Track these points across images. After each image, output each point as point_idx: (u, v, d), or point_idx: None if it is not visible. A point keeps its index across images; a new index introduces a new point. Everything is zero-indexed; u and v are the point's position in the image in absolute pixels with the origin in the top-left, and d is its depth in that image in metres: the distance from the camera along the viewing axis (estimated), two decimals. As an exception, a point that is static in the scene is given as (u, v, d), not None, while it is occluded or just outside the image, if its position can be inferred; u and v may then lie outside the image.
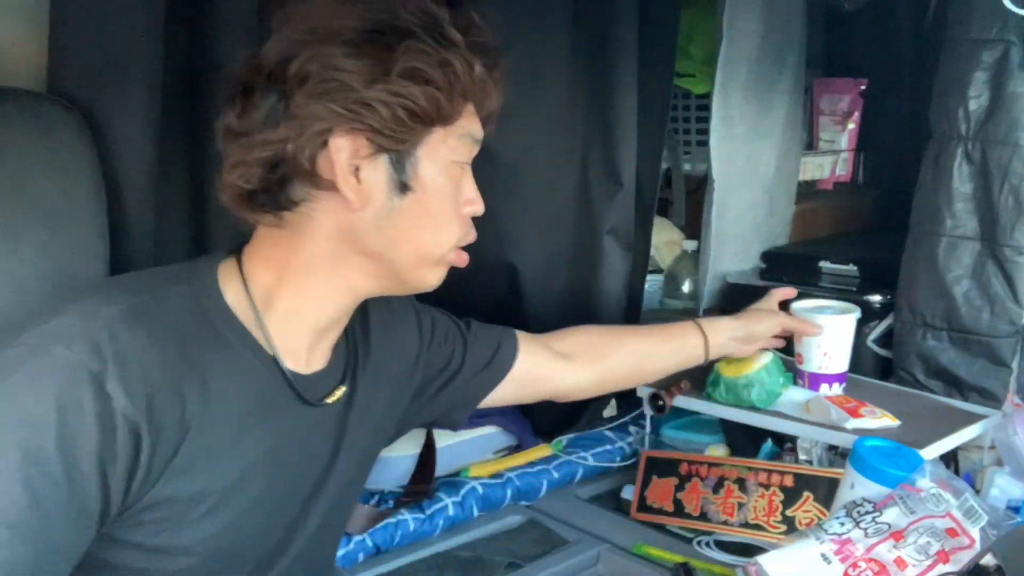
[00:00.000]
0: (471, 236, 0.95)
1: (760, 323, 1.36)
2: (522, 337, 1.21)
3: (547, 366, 1.22)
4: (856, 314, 1.43)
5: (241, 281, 0.87)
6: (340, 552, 1.24)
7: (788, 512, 1.28)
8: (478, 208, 0.94)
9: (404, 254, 0.89)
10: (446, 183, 0.88)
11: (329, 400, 0.93)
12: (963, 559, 0.93)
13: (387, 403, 1.04)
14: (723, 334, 1.33)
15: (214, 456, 0.81)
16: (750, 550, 1.22)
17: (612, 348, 1.29)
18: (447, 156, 0.88)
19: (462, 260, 0.95)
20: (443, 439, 1.47)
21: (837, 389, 1.43)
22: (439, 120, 0.85)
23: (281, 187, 0.83)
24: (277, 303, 0.87)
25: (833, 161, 2.13)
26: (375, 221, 0.86)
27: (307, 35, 0.82)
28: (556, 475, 1.49)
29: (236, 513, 0.84)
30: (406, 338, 1.08)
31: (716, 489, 1.34)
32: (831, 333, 1.41)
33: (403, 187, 0.86)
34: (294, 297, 0.87)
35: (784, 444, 1.41)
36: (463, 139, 0.89)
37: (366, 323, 1.02)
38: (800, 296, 1.46)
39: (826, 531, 0.98)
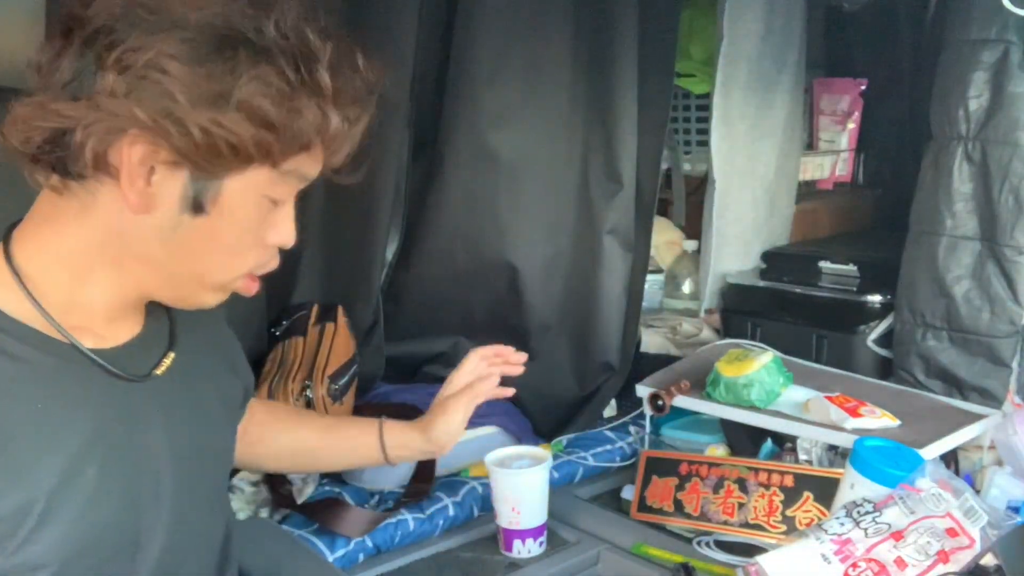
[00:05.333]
0: (271, 264, 0.85)
1: (434, 426, 1.19)
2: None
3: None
4: (546, 464, 1.30)
5: (6, 264, 0.78)
6: (340, 552, 1.24)
7: (788, 512, 1.28)
8: (288, 242, 0.84)
9: (184, 272, 0.80)
10: (250, 215, 0.79)
11: (159, 371, 0.86)
12: (963, 559, 0.93)
13: (222, 365, 0.98)
14: (401, 442, 1.19)
15: (21, 466, 0.74)
16: (750, 550, 1.22)
17: (272, 435, 1.16)
18: (261, 190, 0.78)
19: (250, 289, 0.85)
20: (443, 439, 1.47)
21: (534, 546, 1.28)
22: (264, 162, 0.75)
23: (65, 158, 0.73)
24: (53, 285, 0.78)
25: (833, 161, 2.13)
26: (157, 232, 0.77)
27: (145, 9, 0.71)
28: (556, 475, 1.49)
29: (76, 511, 0.77)
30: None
31: (716, 489, 1.34)
32: (515, 487, 1.28)
33: (197, 207, 0.76)
34: (73, 281, 0.79)
35: (784, 444, 1.41)
36: (288, 177, 0.79)
37: None
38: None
39: (826, 531, 0.98)
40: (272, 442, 1.16)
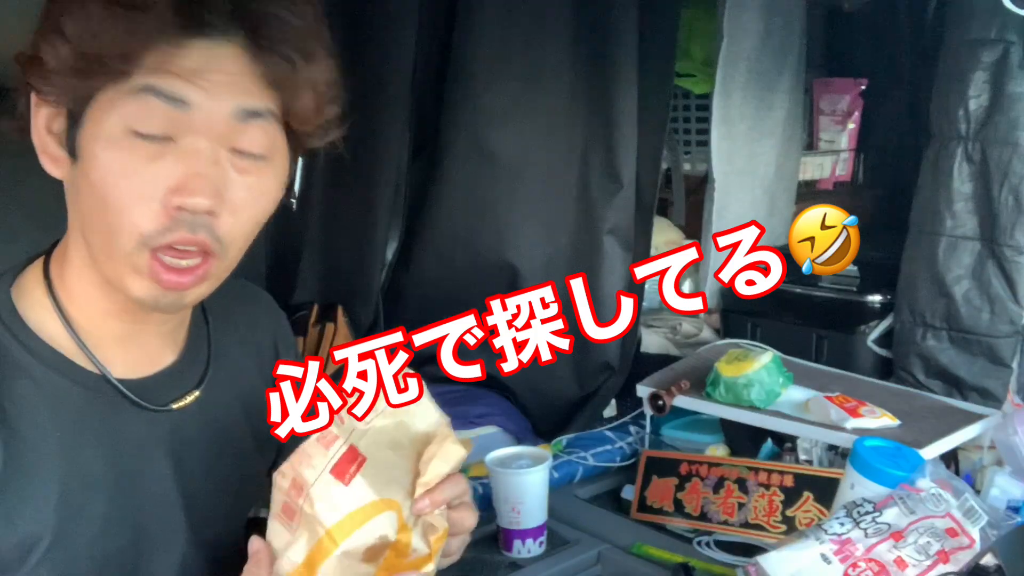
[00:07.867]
0: (177, 233, 0.73)
1: None
2: None
3: None
4: (546, 464, 1.30)
5: (44, 284, 0.77)
6: (340, 552, 1.24)
7: (788, 512, 1.28)
8: (186, 200, 0.72)
9: (96, 242, 0.75)
10: (116, 157, 0.71)
11: (176, 406, 0.84)
12: (963, 559, 0.93)
13: (253, 397, 0.93)
14: None
15: (34, 495, 0.73)
16: (750, 550, 1.22)
17: None
18: (119, 123, 0.71)
19: (159, 276, 0.73)
20: (443, 439, 1.46)
21: (534, 546, 1.29)
22: (92, 70, 0.69)
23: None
24: (74, 300, 0.77)
25: (833, 161, 2.13)
26: (72, 195, 0.75)
27: None
28: (556, 475, 1.49)
29: (84, 541, 0.76)
30: (262, 336, 0.97)
31: (716, 489, 1.34)
32: (515, 487, 1.28)
33: (72, 152, 0.73)
34: (81, 283, 0.77)
35: (784, 444, 1.41)
36: (141, 96, 0.70)
37: (217, 312, 0.91)
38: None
39: (826, 531, 0.98)
40: None
